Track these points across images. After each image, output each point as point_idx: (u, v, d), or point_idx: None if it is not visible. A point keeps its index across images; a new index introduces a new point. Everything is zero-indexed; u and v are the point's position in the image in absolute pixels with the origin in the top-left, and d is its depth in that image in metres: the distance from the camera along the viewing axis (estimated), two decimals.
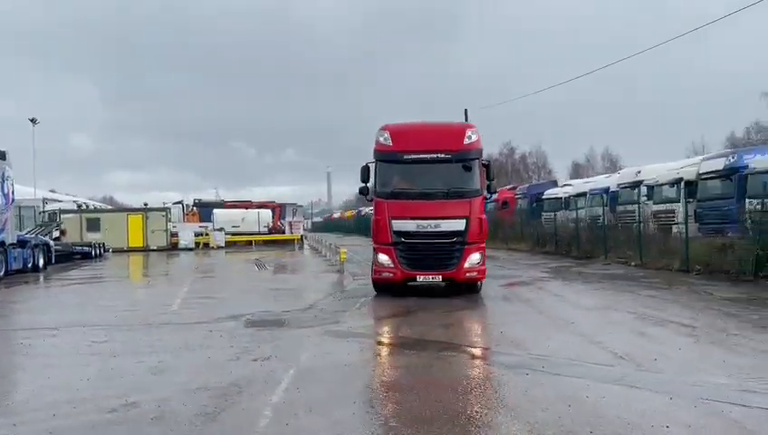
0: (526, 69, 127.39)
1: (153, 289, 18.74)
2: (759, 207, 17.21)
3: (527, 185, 45.02)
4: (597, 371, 7.16)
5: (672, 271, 19.02)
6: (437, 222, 13.74)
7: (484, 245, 14.27)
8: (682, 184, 24.63)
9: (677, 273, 18.53)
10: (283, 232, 46.79)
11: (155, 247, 40.62)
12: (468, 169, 14.03)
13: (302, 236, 45.02)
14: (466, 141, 14.06)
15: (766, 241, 15.93)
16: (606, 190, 30.13)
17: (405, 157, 14.02)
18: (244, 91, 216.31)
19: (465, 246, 13.76)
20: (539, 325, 10.47)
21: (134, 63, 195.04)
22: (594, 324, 10.43)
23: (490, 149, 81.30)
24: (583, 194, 32.74)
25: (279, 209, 49.27)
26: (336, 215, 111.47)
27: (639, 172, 27.99)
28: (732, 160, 22.69)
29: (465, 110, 43.99)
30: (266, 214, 47.36)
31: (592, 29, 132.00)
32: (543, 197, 37.09)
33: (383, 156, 14.22)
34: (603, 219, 26.59)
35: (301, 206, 56.81)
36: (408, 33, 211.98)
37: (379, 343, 9.72)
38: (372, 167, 14.34)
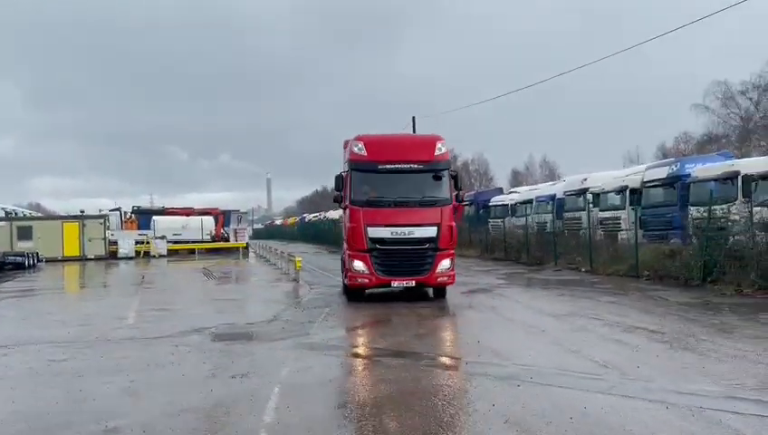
0: (468, 74, 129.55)
1: (102, 301, 17.86)
2: (705, 214, 17.91)
3: (474, 192, 45.54)
4: (585, 381, 7.17)
5: (622, 276, 19.56)
6: (411, 229, 14.22)
7: (453, 251, 14.87)
8: (627, 192, 25.43)
9: (628, 278, 19.06)
10: (227, 240, 45.74)
11: (92, 257, 38.93)
12: (439, 178, 14.64)
13: (247, 244, 44.12)
14: (437, 153, 14.71)
15: (713, 248, 16.55)
16: (552, 198, 30.74)
17: (380, 166, 14.46)
18: (178, 94, 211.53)
19: (437, 253, 14.27)
20: (513, 334, 10.51)
21: (59, 66, 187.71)
22: (566, 332, 10.50)
23: None
24: (530, 201, 33.32)
25: (222, 216, 48.13)
26: (278, 222, 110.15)
27: (585, 180, 28.70)
28: (675, 169, 23.54)
29: (413, 117, 44.39)
30: (209, 221, 46.19)
31: (534, 43, 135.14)
32: (490, 203, 37.59)
33: (358, 165, 14.61)
34: (553, 226, 27.17)
35: (245, 213, 55.66)
36: (350, 36, 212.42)
37: (357, 355, 9.47)
38: (346, 176, 14.79)
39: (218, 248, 43.11)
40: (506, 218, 34.64)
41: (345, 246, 15.42)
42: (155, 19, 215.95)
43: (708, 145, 52.23)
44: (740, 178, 19.90)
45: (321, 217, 67.55)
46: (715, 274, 16.21)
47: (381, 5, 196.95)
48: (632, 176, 26.16)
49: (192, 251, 41.72)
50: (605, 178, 29.14)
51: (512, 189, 39.83)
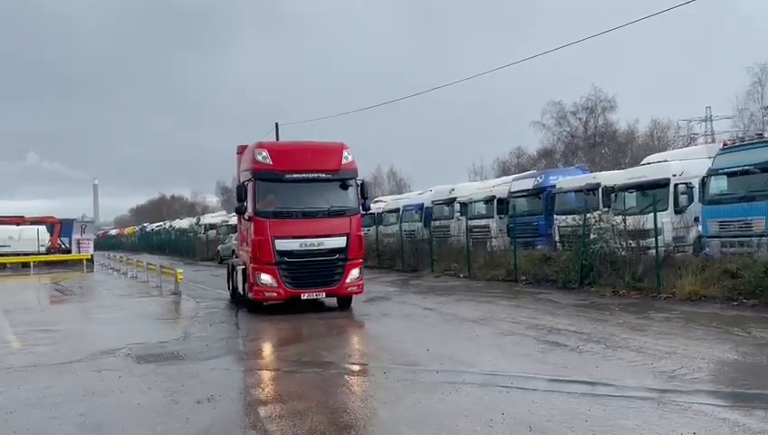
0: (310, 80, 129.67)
1: None
2: (580, 222, 19.47)
3: None
4: (563, 385, 7.37)
5: (501, 281, 20.64)
6: (320, 240, 13.99)
7: (362, 260, 14.94)
8: (495, 201, 26.96)
9: (508, 282, 20.14)
10: (66, 251, 41.61)
11: None
12: (346, 187, 14.53)
13: (92, 255, 40.44)
14: (344, 162, 14.53)
15: (589, 254, 18.02)
16: (420, 207, 31.73)
17: (286, 176, 14.03)
18: None
19: (347, 262, 14.22)
20: (451, 341, 10.57)
21: None
22: (499, 336, 10.76)
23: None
24: (397, 210, 34.12)
25: (59, 226, 43.67)
26: (113, 231, 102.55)
27: (453, 190, 30.01)
28: (540, 181, 25.40)
29: (276, 123, 43.64)
30: (44, 231, 41.71)
31: (380, 58, 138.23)
32: None
33: (263, 174, 14.03)
34: (422, 234, 27.96)
35: (90, 221, 50.96)
36: (182, 38, 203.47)
37: (321, 370, 8.94)
38: (250, 185, 14.17)
39: (60, 261, 39.11)
40: (371, 227, 35.18)
41: (246, 258, 14.81)
42: None
43: (542, 159, 57.14)
44: (601, 190, 22.01)
45: (167, 226, 63.99)
46: (591, 277, 17.69)
47: (215, 6, 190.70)
48: (499, 186, 27.82)
49: (26, 264, 37.48)
50: (470, 188, 30.74)
51: (377, 198, 40.55)
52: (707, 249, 17.54)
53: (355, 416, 6.49)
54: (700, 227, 18.58)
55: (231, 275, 17.40)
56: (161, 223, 71.43)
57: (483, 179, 47.73)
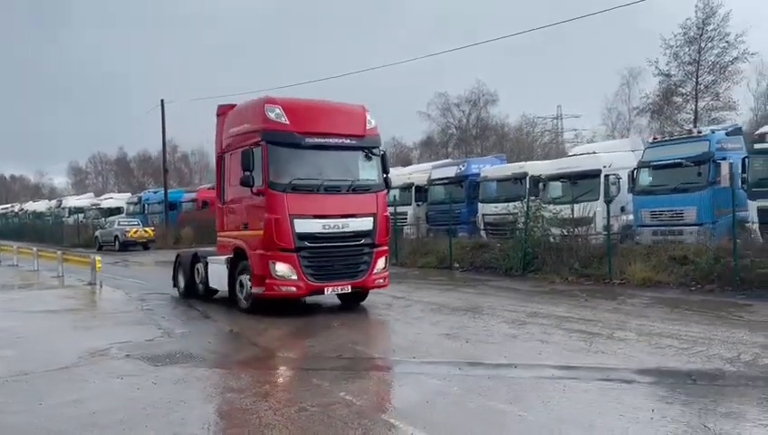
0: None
1: None
2: (513, 210, 19.92)
3: None
4: (589, 372, 7.41)
5: (435, 268, 20.67)
6: (345, 221, 11.77)
7: (387, 247, 12.91)
8: (413, 189, 26.94)
9: (443, 269, 20.23)
10: None
11: None
12: (371, 158, 12.39)
13: None
14: (368, 127, 12.40)
15: (533, 242, 18.47)
16: None
17: (307, 140, 11.55)
18: None
19: (374, 249, 12.13)
20: (466, 332, 10.12)
21: None
22: (513, 325, 10.53)
23: (151, 148, 75.99)
24: None
25: None
26: None
27: None
28: (462, 169, 25.71)
29: (162, 100, 40.71)
30: None
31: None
32: None
33: (278, 137, 11.42)
34: None
35: None
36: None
37: (365, 372, 8.23)
38: (258, 152, 11.46)
39: None
40: None
41: (244, 244, 12.05)
42: None
43: (426, 148, 58.39)
44: (528, 179, 22.68)
45: (17, 209, 57.62)
46: (536, 264, 18.14)
47: None
48: (417, 174, 27.83)
49: None
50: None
51: None
52: (638, 237, 18.67)
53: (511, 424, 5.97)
54: (626, 217, 19.77)
55: (191, 269, 14.46)
56: (7, 205, 64.19)
57: None
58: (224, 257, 12.82)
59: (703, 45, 35.28)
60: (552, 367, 7.67)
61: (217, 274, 13.14)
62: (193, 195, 42.00)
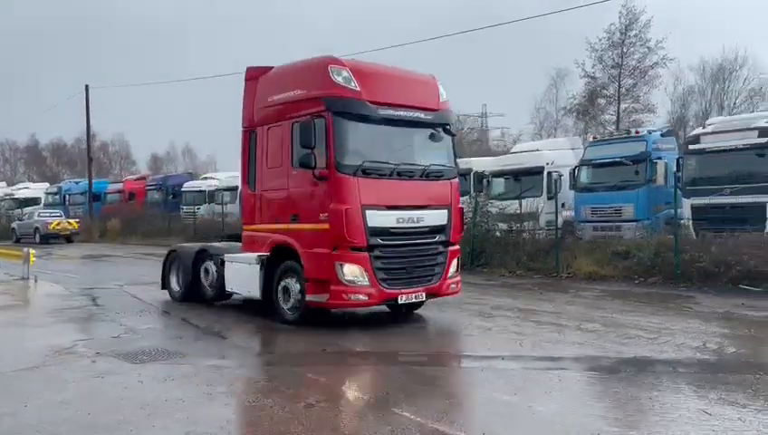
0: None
1: None
2: (474, 206, 20.24)
3: (162, 176, 42.38)
4: (575, 362, 7.67)
5: None
6: (420, 214, 9.75)
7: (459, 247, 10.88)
8: None
9: None
10: None
11: None
12: (443, 138, 10.40)
13: None
14: (442, 100, 10.41)
15: (481, 237, 18.86)
16: None
17: (380, 112, 9.38)
18: None
19: (449, 248, 10.24)
20: (468, 326, 10.21)
21: None
22: (515, 320, 10.62)
23: (66, 136, 72.24)
24: (235, 188, 32.39)
25: None
26: None
27: None
28: None
29: (87, 85, 38.88)
30: None
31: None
32: (184, 189, 35.23)
33: (348, 106, 9.20)
34: None
35: None
36: None
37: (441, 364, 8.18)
38: (322, 125, 9.15)
39: None
40: (203, 205, 33.20)
41: (296, 241, 9.59)
42: None
43: None
44: (472, 175, 23.09)
45: None
46: (483, 258, 18.54)
47: None
48: None
49: None
50: None
51: (207, 175, 38.08)
52: (579, 232, 19.41)
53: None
54: (567, 213, 20.49)
55: (194, 268, 12.14)
56: None
57: None
58: (254, 256, 10.34)
59: (625, 50, 37.02)
60: (536, 358, 7.87)
61: (243, 275, 10.62)
62: (119, 186, 40.33)
